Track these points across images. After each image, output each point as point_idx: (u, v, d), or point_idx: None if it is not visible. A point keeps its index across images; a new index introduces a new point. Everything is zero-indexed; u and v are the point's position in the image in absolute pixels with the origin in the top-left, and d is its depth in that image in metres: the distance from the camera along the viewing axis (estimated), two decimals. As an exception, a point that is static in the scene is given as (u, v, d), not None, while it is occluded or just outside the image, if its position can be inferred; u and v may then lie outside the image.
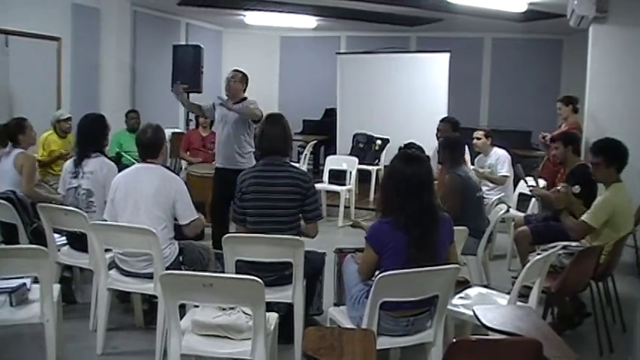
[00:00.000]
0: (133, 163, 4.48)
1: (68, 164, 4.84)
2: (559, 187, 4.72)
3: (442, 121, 6.76)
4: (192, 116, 9.20)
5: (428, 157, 5.85)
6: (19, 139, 5.40)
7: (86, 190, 4.65)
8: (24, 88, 7.80)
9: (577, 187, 5.03)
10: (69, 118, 7.15)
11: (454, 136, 5.51)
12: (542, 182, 5.94)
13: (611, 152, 4.54)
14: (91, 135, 4.85)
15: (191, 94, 9.45)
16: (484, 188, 6.17)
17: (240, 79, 6.03)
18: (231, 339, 3.13)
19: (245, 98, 6.04)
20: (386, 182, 3.45)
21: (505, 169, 6.81)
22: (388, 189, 3.38)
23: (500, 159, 6.88)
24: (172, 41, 10.29)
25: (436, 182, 4.58)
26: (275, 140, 4.12)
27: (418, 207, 3.24)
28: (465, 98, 10.75)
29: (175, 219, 4.13)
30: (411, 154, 3.54)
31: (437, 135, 6.45)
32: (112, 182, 4.25)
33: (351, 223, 4.52)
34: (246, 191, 4.02)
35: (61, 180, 4.92)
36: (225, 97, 5.98)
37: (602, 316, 4.30)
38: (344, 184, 8.49)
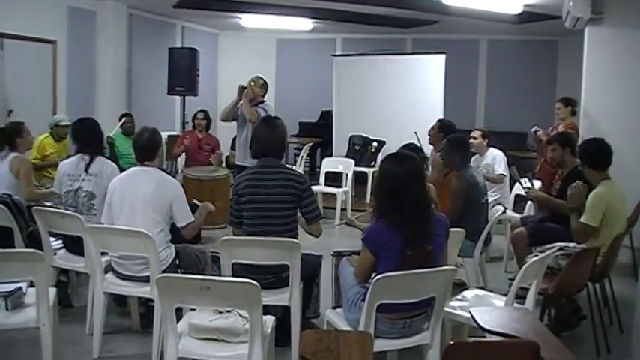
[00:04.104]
0: (131, 166, 4.48)
1: (66, 166, 4.81)
2: (579, 185, 4.71)
3: (437, 122, 6.73)
4: (188, 119, 9.19)
5: (427, 157, 5.84)
6: (16, 142, 5.39)
7: (88, 192, 4.64)
8: (19, 91, 7.80)
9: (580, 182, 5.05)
10: (68, 125, 7.11)
11: (459, 136, 5.45)
12: (537, 183, 5.94)
13: (581, 153, 4.74)
14: (93, 138, 4.86)
15: (187, 97, 9.50)
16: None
17: (260, 85, 6.60)
18: (228, 342, 3.12)
19: (262, 102, 6.55)
20: (378, 185, 3.43)
21: (502, 168, 6.81)
22: (381, 191, 3.38)
23: (496, 159, 6.89)
24: (168, 44, 10.30)
25: (431, 185, 4.56)
26: (267, 142, 4.12)
27: (412, 206, 3.24)
28: (460, 100, 10.77)
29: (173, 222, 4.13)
30: (399, 154, 3.55)
31: (429, 140, 6.42)
32: (110, 184, 4.24)
33: (346, 221, 4.50)
34: (242, 193, 4.01)
35: (56, 181, 4.90)
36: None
37: (600, 316, 4.30)
38: (340, 187, 8.51)
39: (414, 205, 3.25)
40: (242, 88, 6.37)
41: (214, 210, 4.41)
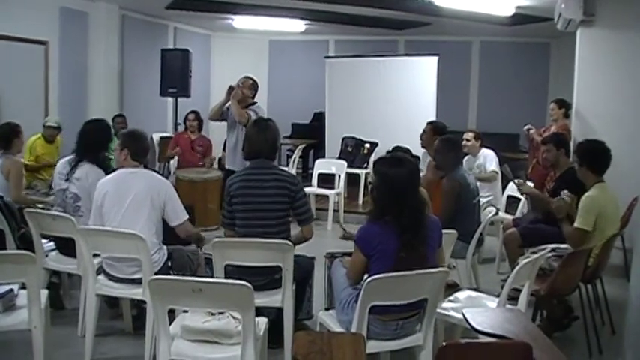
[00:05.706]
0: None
1: (61, 165, 4.78)
2: (564, 197, 4.71)
3: (428, 124, 6.72)
4: (180, 120, 9.18)
5: (418, 157, 5.86)
6: (13, 143, 5.36)
7: (73, 194, 4.62)
8: (11, 92, 7.75)
9: (566, 191, 5.05)
10: (53, 127, 7.05)
11: (452, 138, 5.47)
12: (529, 184, 5.95)
13: (580, 152, 4.67)
14: (92, 143, 4.79)
15: (180, 99, 9.49)
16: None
17: (249, 86, 6.38)
18: (221, 344, 3.12)
19: (253, 103, 6.34)
20: (380, 188, 3.36)
21: (493, 165, 6.82)
22: (383, 194, 3.32)
23: (487, 157, 6.91)
24: (161, 45, 10.28)
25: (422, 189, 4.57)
26: (259, 144, 4.11)
27: (411, 208, 3.24)
28: (453, 102, 10.77)
29: (164, 222, 4.12)
30: (396, 157, 3.54)
31: (421, 138, 6.40)
32: (97, 187, 4.18)
33: (342, 235, 4.48)
34: (235, 195, 4.00)
35: (53, 181, 4.89)
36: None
37: (591, 318, 4.31)
38: (333, 188, 8.51)
39: (413, 207, 3.25)
40: (230, 89, 6.18)
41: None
